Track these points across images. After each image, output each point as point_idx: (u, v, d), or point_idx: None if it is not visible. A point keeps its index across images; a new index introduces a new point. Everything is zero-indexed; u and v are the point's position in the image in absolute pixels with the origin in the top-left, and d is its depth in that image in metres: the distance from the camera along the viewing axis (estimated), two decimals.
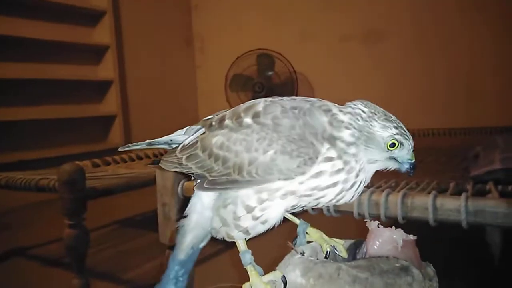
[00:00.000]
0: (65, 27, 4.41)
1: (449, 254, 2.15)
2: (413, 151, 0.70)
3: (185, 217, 0.80)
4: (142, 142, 0.83)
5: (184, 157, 0.76)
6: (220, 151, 0.70)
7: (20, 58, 4.02)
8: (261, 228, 0.71)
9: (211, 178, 0.72)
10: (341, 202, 0.70)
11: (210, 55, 5.82)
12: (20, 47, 4.00)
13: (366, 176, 0.70)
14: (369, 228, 0.73)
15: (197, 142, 0.75)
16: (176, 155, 0.78)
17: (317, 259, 0.69)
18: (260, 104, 0.71)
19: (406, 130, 0.68)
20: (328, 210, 1.42)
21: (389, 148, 0.68)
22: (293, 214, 0.80)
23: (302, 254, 0.73)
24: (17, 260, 2.62)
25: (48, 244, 2.76)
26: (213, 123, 0.74)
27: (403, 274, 0.64)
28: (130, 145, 0.84)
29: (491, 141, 2.13)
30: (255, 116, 0.69)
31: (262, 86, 4.55)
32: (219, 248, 2.37)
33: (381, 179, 1.65)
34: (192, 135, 0.80)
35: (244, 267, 0.70)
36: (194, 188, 0.75)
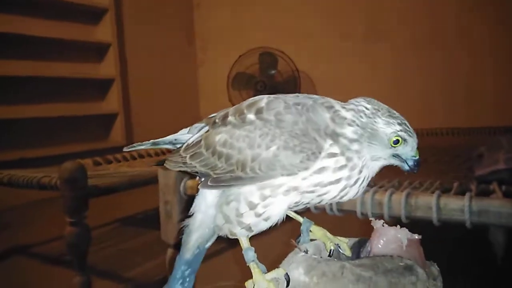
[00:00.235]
0: (67, 24, 4.42)
1: (452, 253, 2.14)
2: (417, 148, 0.69)
3: (190, 216, 0.80)
4: (147, 142, 0.83)
5: (188, 156, 0.76)
6: (223, 148, 0.70)
7: (21, 56, 4.02)
8: (264, 225, 0.70)
9: (215, 176, 0.71)
10: (344, 199, 0.69)
11: (212, 54, 5.81)
12: (22, 45, 4.00)
13: (369, 173, 0.69)
14: (374, 227, 0.72)
15: (201, 140, 0.75)
16: (180, 155, 0.78)
17: (321, 257, 0.68)
18: (263, 100, 0.70)
19: (410, 126, 0.68)
20: (331, 209, 1.42)
21: (393, 145, 0.67)
22: (296, 212, 0.80)
23: (306, 252, 0.72)
24: (18, 258, 2.62)
25: (50, 242, 2.76)
26: (217, 120, 0.74)
27: (407, 273, 0.64)
28: (135, 145, 0.84)
29: (495, 141, 2.12)
30: (258, 112, 0.69)
31: (264, 84, 4.55)
32: (221, 246, 2.37)
33: (384, 179, 1.65)
34: (196, 133, 0.80)
35: (247, 265, 0.70)
36: (199, 187, 0.75)
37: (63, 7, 4.32)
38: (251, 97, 0.76)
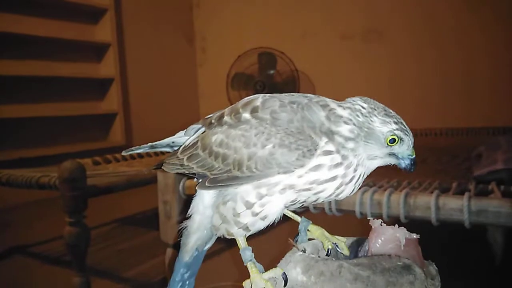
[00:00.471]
0: (67, 24, 4.42)
1: (451, 253, 2.14)
2: (413, 147, 0.69)
3: (188, 218, 0.80)
4: (145, 146, 0.84)
5: (185, 157, 0.76)
6: (219, 149, 0.70)
7: (21, 56, 4.02)
8: (261, 224, 0.70)
9: (212, 177, 0.71)
10: (340, 196, 0.69)
11: (211, 54, 5.81)
12: (22, 45, 4.00)
13: (365, 171, 0.69)
14: (372, 226, 0.72)
15: (197, 142, 0.75)
16: (177, 157, 0.78)
17: (319, 256, 0.68)
18: (259, 99, 0.71)
19: (406, 125, 0.68)
20: (330, 209, 1.42)
21: (389, 144, 0.67)
22: (294, 212, 0.79)
23: (304, 251, 0.72)
24: (17, 258, 2.62)
25: (49, 242, 2.76)
26: (213, 121, 0.74)
27: (405, 272, 0.63)
28: (133, 148, 0.84)
29: (494, 142, 2.13)
30: (254, 111, 0.69)
31: (263, 84, 4.55)
32: (219, 247, 2.37)
33: (383, 179, 1.65)
34: (193, 135, 0.80)
35: (245, 264, 0.70)
36: (196, 188, 0.75)
37: (62, 7, 4.32)
38: None
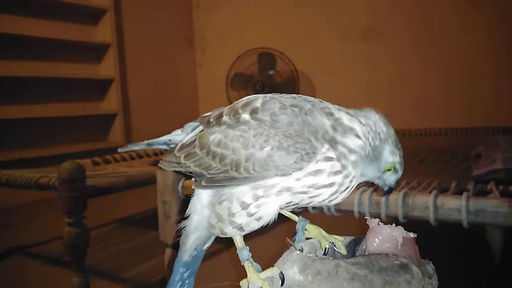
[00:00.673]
0: (66, 25, 4.42)
1: (450, 253, 2.14)
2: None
3: (186, 218, 0.80)
4: (141, 143, 0.83)
5: (183, 156, 0.75)
6: (217, 149, 0.70)
7: (20, 56, 4.02)
8: (256, 225, 0.70)
9: (209, 176, 0.71)
10: (332, 203, 0.70)
11: (211, 54, 5.81)
12: (21, 45, 4.01)
13: (355, 184, 0.71)
14: (369, 225, 0.72)
15: (195, 140, 0.75)
16: (174, 155, 0.78)
17: (316, 256, 0.68)
18: (259, 100, 0.70)
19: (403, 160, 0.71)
20: (329, 209, 1.42)
21: (385, 170, 0.71)
22: (292, 212, 0.80)
23: (301, 250, 0.72)
24: (17, 258, 2.62)
25: (48, 242, 2.76)
26: (211, 120, 0.74)
27: (402, 271, 0.63)
28: (129, 145, 0.84)
29: (493, 141, 2.13)
30: (253, 112, 0.69)
31: (263, 85, 4.55)
32: (217, 247, 2.37)
33: None
34: (190, 133, 0.80)
35: (242, 264, 0.70)
36: (193, 187, 0.75)
37: (62, 8, 4.32)
38: None
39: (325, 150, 0.66)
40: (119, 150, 0.86)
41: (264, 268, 0.69)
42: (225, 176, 0.69)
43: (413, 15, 4.49)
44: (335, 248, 0.74)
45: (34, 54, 4.12)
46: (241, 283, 0.69)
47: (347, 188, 0.69)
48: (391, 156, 0.69)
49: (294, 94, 0.73)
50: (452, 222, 1.25)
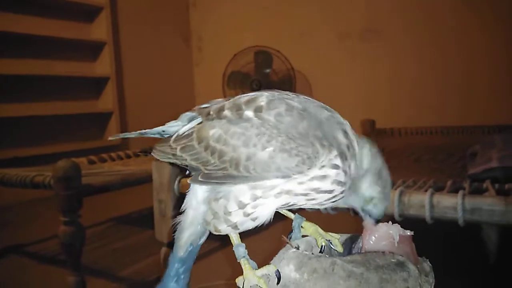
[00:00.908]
0: (62, 23, 4.39)
1: (445, 251, 2.15)
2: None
3: (181, 213, 0.79)
4: (135, 132, 0.82)
5: (179, 147, 0.73)
6: (217, 144, 0.68)
7: (15, 54, 3.99)
8: (251, 225, 0.69)
9: (206, 172, 0.70)
10: (320, 207, 0.71)
11: (207, 53, 5.80)
12: (16, 43, 3.97)
13: (341, 203, 0.72)
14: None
15: (193, 132, 0.73)
16: (170, 145, 0.76)
17: (312, 253, 0.68)
18: (263, 98, 0.69)
19: (389, 192, 0.71)
20: (325, 208, 1.42)
21: (366, 202, 0.71)
22: (288, 210, 0.79)
23: (297, 248, 0.72)
24: (12, 257, 2.61)
25: (44, 241, 2.75)
26: (211, 112, 0.72)
27: (399, 269, 0.63)
28: (120, 134, 0.84)
29: (489, 140, 2.14)
30: (257, 110, 0.67)
31: (259, 83, 4.55)
32: (214, 246, 2.36)
33: None
34: (187, 123, 0.78)
35: (238, 261, 0.70)
36: (189, 181, 0.74)
37: (57, 5, 4.29)
38: None
39: (332, 156, 0.65)
40: (110, 138, 0.85)
41: (260, 265, 0.68)
42: (223, 173, 0.68)
43: (412, 14, 4.49)
44: (331, 246, 0.74)
45: (28, 52, 4.09)
46: (237, 280, 0.69)
47: (337, 201, 0.69)
48: (369, 189, 0.69)
49: (313, 99, 0.72)
50: (448, 220, 1.26)
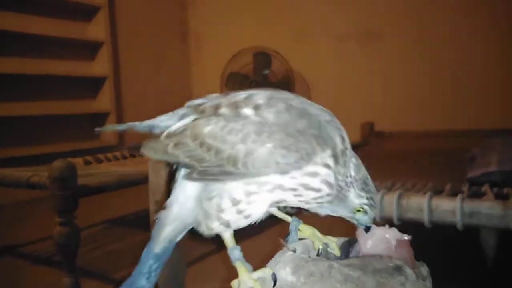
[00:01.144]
0: (59, 22, 4.37)
1: (444, 255, 2.14)
2: (373, 218, 0.73)
3: (164, 209, 0.77)
4: (123, 125, 0.81)
5: (171, 144, 0.71)
6: (213, 141, 0.67)
7: (11, 53, 3.97)
8: (243, 223, 0.69)
9: (201, 169, 0.68)
10: (305, 207, 0.70)
11: (206, 53, 5.80)
12: (12, 42, 3.95)
13: (328, 211, 0.72)
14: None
15: (186, 129, 0.71)
16: (162, 142, 0.73)
17: (309, 256, 0.67)
18: (261, 96, 0.68)
19: (376, 200, 0.71)
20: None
21: (355, 212, 0.70)
22: (285, 212, 0.78)
23: (294, 251, 0.71)
24: (7, 258, 2.59)
25: (39, 242, 2.73)
26: (207, 109, 0.71)
27: (396, 273, 0.63)
28: (108, 126, 0.82)
29: (488, 144, 2.13)
30: (256, 108, 0.67)
31: (258, 84, 4.54)
32: (209, 249, 2.35)
33: (376, 180, 1.64)
34: (178, 120, 0.76)
35: (233, 264, 0.68)
36: (183, 179, 0.72)
37: (55, 5, 4.28)
38: None
39: (326, 155, 0.65)
40: (96, 129, 0.84)
41: (256, 268, 0.67)
42: (220, 170, 0.66)
43: (409, 17, 4.50)
44: (328, 249, 0.73)
45: (25, 51, 4.07)
46: (232, 283, 0.67)
47: (322, 203, 0.69)
48: (357, 199, 0.69)
49: (300, 96, 0.72)
50: (446, 224, 1.25)
